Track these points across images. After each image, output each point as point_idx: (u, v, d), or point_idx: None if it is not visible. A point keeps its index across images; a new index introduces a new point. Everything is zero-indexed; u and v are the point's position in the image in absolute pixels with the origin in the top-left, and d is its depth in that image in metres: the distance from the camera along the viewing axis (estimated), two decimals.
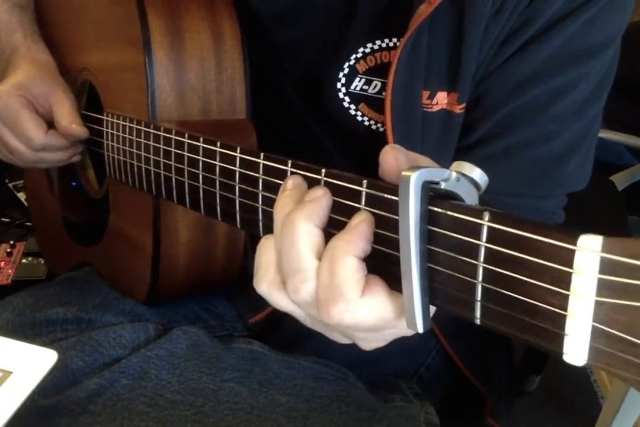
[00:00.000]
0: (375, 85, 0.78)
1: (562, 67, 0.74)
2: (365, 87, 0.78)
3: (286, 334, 0.89)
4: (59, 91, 0.90)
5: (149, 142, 0.74)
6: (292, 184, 0.50)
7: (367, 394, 0.80)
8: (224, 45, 0.79)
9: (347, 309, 0.45)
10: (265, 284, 0.50)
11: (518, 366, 1.11)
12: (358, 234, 0.45)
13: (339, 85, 0.79)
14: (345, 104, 0.80)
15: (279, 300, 0.50)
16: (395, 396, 0.83)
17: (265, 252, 0.50)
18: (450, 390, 0.99)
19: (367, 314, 0.45)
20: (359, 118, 0.80)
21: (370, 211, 0.45)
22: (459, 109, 0.76)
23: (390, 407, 0.80)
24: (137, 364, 0.74)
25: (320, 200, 0.48)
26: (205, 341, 0.79)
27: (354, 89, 0.79)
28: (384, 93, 0.75)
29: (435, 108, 0.76)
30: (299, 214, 0.47)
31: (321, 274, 0.45)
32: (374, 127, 0.80)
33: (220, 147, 0.60)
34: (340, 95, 0.80)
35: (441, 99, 0.76)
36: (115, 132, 0.83)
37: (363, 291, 0.45)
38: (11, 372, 0.64)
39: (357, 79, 0.79)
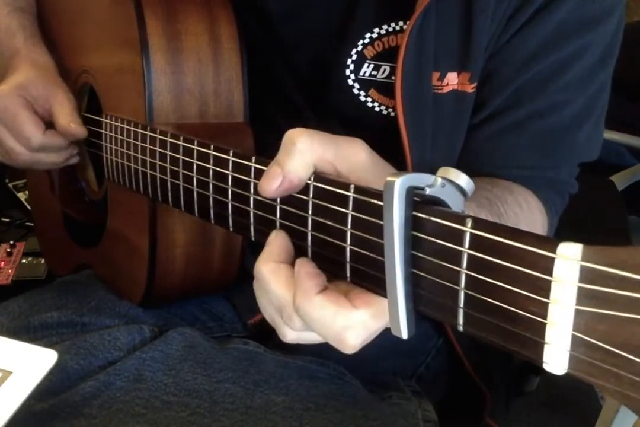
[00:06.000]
0: (384, 70, 0.78)
1: (567, 38, 0.75)
2: (374, 72, 0.79)
3: None
4: (59, 92, 0.90)
5: (145, 145, 0.74)
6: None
7: (363, 391, 0.80)
8: (222, 48, 0.79)
9: (357, 331, 0.45)
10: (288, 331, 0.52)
11: (518, 366, 1.11)
12: (304, 279, 0.47)
13: (347, 72, 0.80)
14: (355, 91, 0.80)
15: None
16: (392, 394, 0.83)
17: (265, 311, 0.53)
18: (450, 389, 0.99)
19: (376, 321, 0.46)
20: (369, 104, 0.80)
21: (357, 216, 0.45)
22: (470, 88, 0.77)
23: (387, 405, 0.80)
24: (132, 367, 0.74)
25: (271, 242, 0.52)
26: (201, 342, 0.79)
27: (363, 75, 0.79)
28: (393, 77, 0.76)
29: (446, 89, 0.77)
30: (259, 260, 0.51)
31: (315, 329, 0.47)
32: (384, 112, 0.80)
33: (214, 150, 0.60)
34: (350, 82, 0.80)
35: (451, 80, 0.76)
36: (113, 134, 0.83)
37: (356, 305, 0.45)
38: (11, 372, 0.64)
39: (366, 64, 0.79)
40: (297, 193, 0.50)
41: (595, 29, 0.76)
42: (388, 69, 0.78)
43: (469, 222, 0.37)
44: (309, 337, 0.51)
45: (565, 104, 0.78)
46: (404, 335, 0.42)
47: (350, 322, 0.45)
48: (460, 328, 0.39)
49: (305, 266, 0.48)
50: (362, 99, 0.80)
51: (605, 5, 0.76)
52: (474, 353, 0.92)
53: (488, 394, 0.96)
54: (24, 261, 1.34)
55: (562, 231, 0.88)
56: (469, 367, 0.92)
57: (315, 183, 0.48)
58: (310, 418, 0.72)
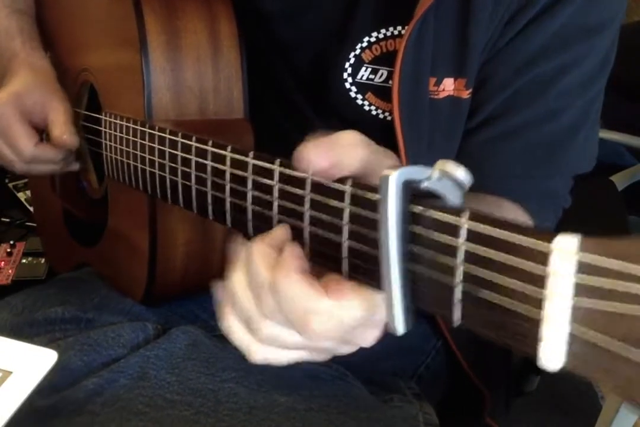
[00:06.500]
0: (382, 74, 0.79)
1: (565, 45, 0.75)
2: (372, 76, 0.79)
3: None
4: (55, 100, 0.91)
5: (144, 142, 0.74)
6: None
7: (365, 393, 0.80)
8: (221, 45, 0.79)
9: (323, 318, 0.45)
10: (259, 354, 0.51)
11: (518, 366, 1.11)
12: (289, 258, 0.47)
13: (345, 75, 0.80)
14: (352, 94, 0.80)
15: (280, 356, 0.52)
16: (394, 396, 0.83)
17: (237, 338, 0.52)
18: (450, 390, 0.99)
19: (349, 313, 0.45)
20: (366, 108, 0.81)
21: (354, 210, 0.45)
22: (466, 94, 0.77)
23: (389, 407, 0.80)
24: (136, 364, 0.74)
25: (274, 230, 0.51)
26: (204, 340, 0.79)
27: (361, 78, 0.79)
28: (390, 82, 0.76)
29: (442, 95, 0.77)
30: (253, 240, 0.50)
31: (284, 308, 0.46)
32: (381, 116, 0.80)
33: (212, 146, 0.60)
34: (347, 85, 0.80)
35: (448, 86, 0.76)
36: (113, 131, 0.83)
37: (328, 295, 0.45)
38: (11, 372, 0.64)
39: (364, 68, 0.79)
40: (294, 187, 0.50)
41: (596, 37, 0.76)
42: (385, 73, 0.78)
43: (466, 215, 0.37)
44: (276, 356, 0.51)
45: (560, 113, 0.78)
46: (400, 330, 0.42)
47: (318, 308, 0.44)
48: (457, 323, 0.39)
49: (294, 249, 0.48)
50: (359, 102, 0.80)
51: (608, 12, 0.76)
52: (471, 354, 0.92)
53: (487, 394, 0.96)
54: (24, 261, 1.33)
55: (562, 231, 0.88)
56: (467, 368, 0.92)
57: (312, 177, 0.48)
58: (313, 419, 0.71)
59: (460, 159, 0.79)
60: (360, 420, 0.74)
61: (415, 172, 0.40)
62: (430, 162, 0.80)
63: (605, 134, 1.61)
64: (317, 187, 0.47)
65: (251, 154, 0.54)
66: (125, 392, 0.71)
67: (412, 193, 0.40)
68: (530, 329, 0.34)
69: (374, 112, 0.80)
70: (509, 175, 0.79)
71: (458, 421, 0.98)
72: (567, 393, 1.30)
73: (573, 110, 0.78)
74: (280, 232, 0.51)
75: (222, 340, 0.81)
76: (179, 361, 0.75)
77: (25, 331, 0.82)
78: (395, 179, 0.39)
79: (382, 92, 0.79)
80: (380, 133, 0.79)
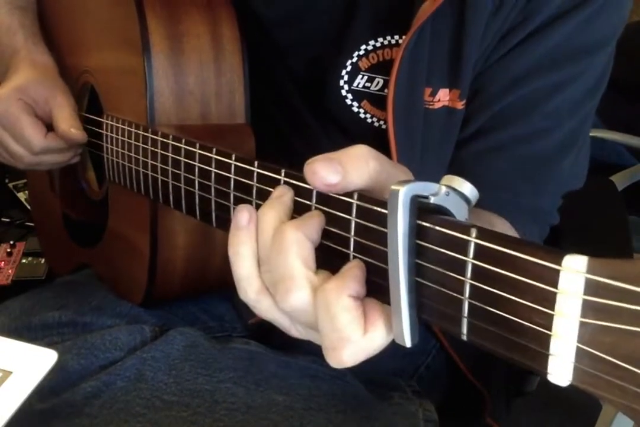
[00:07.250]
0: (378, 83, 0.79)
1: (558, 65, 0.75)
2: (368, 84, 0.79)
3: (285, 334, 0.89)
4: (58, 94, 0.90)
5: (147, 147, 0.74)
6: (280, 192, 0.51)
7: (364, 392, 0.80)
8: (224, 49, 0.79)
9: (356, 350, 0.44)
10: (253, 293, 0.50)
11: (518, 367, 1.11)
12: (350, 277, 0.44)
13: (341, 82, 0.80)
14: (348, 102, 0.81)
15: (265, 307, 0.50)
16: (393, 394, 0.83)
17: (242, 265, 0.50)
18: (450, 390, 0.99)
19: (378, 345, 0.45)
20: (362, 115, 0.81)
21: (360, 223, 0.45)
22: (460, 105, 0.77)
23: (388, 405, 0.80)
24: (133, 366, 0.74)
25: (314, 217, 0.48)
26: (202, 341, 0.79)
27: (357, 86, 0.79)
28: (386, 90, 0.76)
29: (437, 105, 0.77)
30: (291, 224, 0.47)
31: (321, 322, 0.45)
32: (376, 124, 0.81)
33: (216, 154, 0.60)
34: (343, 92, 0.80)
35: (443, 96, 0.77)
36: (114, 135, 0.83)
37: (366, 328, 0.44)
38: (11, 372, 0.64)
39: (360, 76, 0.79)
40: (301, 198, 0.50)
41: (590, 58, 0.76)
42: (382, 81, 0.78)
43: (474, 232, 0.37)
44: (268, 307, 0.50)
45: (550, 131, 0.78)
46: (408, 343, 0.42)
47: (356, 341, 0.44)
48: (464, 337, 0.39)
49: (361, 272, 0.45)
50: (355, 109, 0.80)
51: (602, 35, 0.76)
52: (470, 355, 0.92)
53: (487, 395, 0.96)
54: (24, 261, 1.34)
55: (562, 231, 0.88)
56: (465, 370, 0.93)
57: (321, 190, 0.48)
58: (311, 418, 0.71)
59: (451, 169, 0.80)
60: (360, 419, 0.74)
61: (423, 187, 0.40)
62: (422, 172, 0.80)
63: (605, 134, 1.61)
64: (324, 198, 0.48)
65: (256, 163, 0.54)
66: (123, 394, 0.71)
67: (419, 208, 0.41)
68: (538, 346, 0.34)
69: (369, 120, 0.80)
70: (498, 189, 0.79)
71: (458, 422, 0.98)
72: (567, 393, 1.30)
73: (565, 128, 0.79)
74: (316, 221, 0.48)
75: (221, 341, 0.81)
76: (176, 362, 0.75)
77: (24, 335, 0.82)
78: (404, 193, 0.39)
79: (378, 101, 0.79)
80: (374, 141, 0.79)
